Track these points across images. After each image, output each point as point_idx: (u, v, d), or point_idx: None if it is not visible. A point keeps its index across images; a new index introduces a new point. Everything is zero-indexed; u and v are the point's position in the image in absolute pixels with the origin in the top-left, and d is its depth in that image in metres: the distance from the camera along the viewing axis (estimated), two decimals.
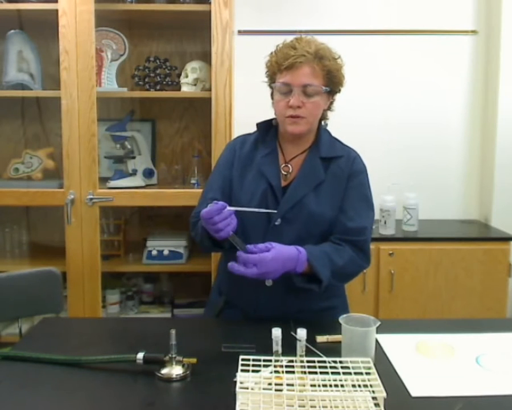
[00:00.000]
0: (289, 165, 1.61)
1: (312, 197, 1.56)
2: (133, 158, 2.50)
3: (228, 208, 1.39)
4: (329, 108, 1.63)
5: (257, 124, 1.68)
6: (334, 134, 1.68)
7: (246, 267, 1.40)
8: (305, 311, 1.56)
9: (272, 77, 1.59)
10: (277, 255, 1.42)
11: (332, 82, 1.55)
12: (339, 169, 1.59)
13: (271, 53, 1.59)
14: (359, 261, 1.56)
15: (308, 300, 1.56)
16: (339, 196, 1.58)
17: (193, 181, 2.50)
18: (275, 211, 1.54)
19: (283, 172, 1.61)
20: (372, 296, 2.49)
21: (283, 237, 1.52)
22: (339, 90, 1.60)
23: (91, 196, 2.30)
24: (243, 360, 1.13)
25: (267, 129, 1.66)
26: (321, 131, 1.63)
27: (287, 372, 1.11)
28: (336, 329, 1.32)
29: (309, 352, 1.22)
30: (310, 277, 1.48)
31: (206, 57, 2.46)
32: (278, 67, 1.52)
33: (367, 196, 1.63)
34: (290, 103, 1.50)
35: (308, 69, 1.49)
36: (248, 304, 1.58)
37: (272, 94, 1.61)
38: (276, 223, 1.54)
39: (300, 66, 1.49)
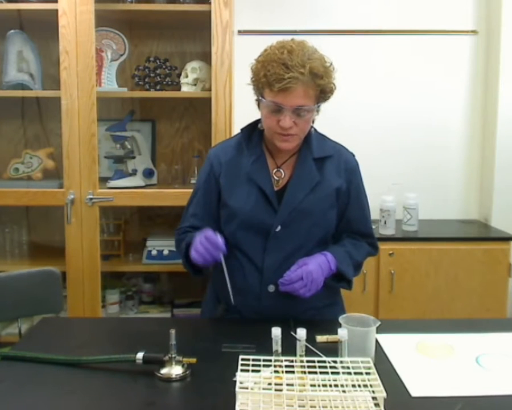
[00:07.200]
0: (281, 170, 1.58)
1: (310, 199, 1.54)
2: (133, 158, 2.50)
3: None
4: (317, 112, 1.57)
5: (242, 130, 1.64)
6: (333, 135, 1.67)
7: (293, 285, 1.46)
8: (310, 309, 1.56)
9: (259, 89, 1.50)
10: (312, 262, 1.48)
11: (324, 97, 1.50)
12: (332, 168, 1.58)
13: (258, 60, 1.49)
14: (372, 253, 1.70)
15: (314, 299, 1.53)
16: (336, 194, 1.57)
17: (193, 181, 2.49)
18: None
19: (275, 177, 1.57)
20: (372, 296, 2.49)
21: (283, 244, 1.53)
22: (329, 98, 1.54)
23: (91, 196, 2.30)
24: (243, 360, 1.13)
25: (251, 133, 1.61)
26: (310, 130, 1.57)
27: (286, 372, 1.11)
28: (336, 329, 1.31)
29: (309, 352, 1.22)
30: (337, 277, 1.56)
31: (206, 57, 2.46)
32: (268, 86, 1.43)
33: (365, 197, 1.67)
34: (281, 124, 1.44)
35: (301, 90, 1.42)
36: (251, 310, 1.56)
37: (258, 104, 1.55)
38: (277, 230, 1.52)
39: (293, 88, 1.40)
